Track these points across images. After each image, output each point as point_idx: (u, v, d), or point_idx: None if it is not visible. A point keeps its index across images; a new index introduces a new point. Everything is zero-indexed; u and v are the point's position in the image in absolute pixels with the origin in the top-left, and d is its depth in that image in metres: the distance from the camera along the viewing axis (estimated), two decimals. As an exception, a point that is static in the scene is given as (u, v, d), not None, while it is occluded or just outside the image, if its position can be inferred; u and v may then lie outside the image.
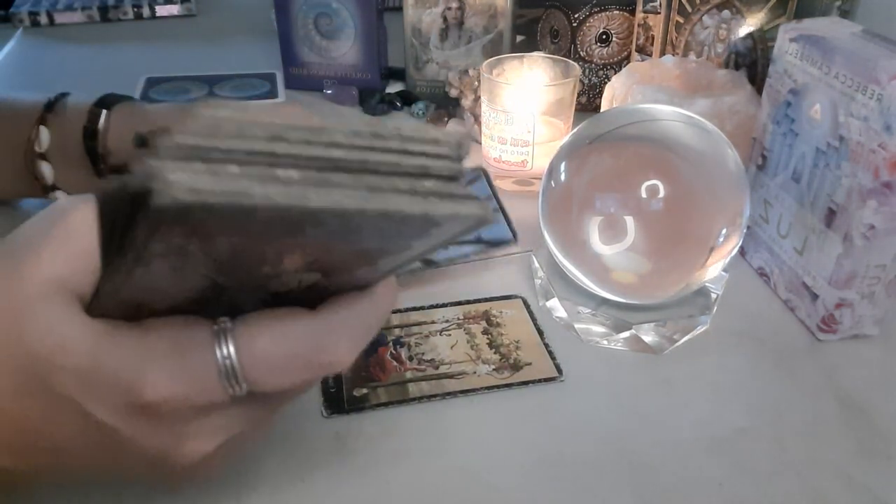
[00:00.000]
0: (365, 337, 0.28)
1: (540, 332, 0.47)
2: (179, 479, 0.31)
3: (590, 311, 0.47)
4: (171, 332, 0.26)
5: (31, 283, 0.26)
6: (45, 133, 0.53)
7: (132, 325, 0.26)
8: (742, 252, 0.55)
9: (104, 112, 0.53)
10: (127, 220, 0.22)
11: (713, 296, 0.48)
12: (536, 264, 0.51)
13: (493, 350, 0.46)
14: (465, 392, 0.42)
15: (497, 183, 0.65)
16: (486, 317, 0.48)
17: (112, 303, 0.26)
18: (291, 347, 0.27)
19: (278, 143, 0.20)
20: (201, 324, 0.27)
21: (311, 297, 0.27)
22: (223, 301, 0.27)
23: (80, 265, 0.27)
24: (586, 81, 0.78)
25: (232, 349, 0.26)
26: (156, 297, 0.26)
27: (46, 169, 0.53)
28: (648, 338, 0.46)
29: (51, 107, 0.54)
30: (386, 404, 0.41)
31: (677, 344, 0.46)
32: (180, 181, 0.18)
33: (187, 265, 0.24)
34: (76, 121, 0.53)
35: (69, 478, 0.34)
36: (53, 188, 0.54)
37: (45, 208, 0.29)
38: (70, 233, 0.27)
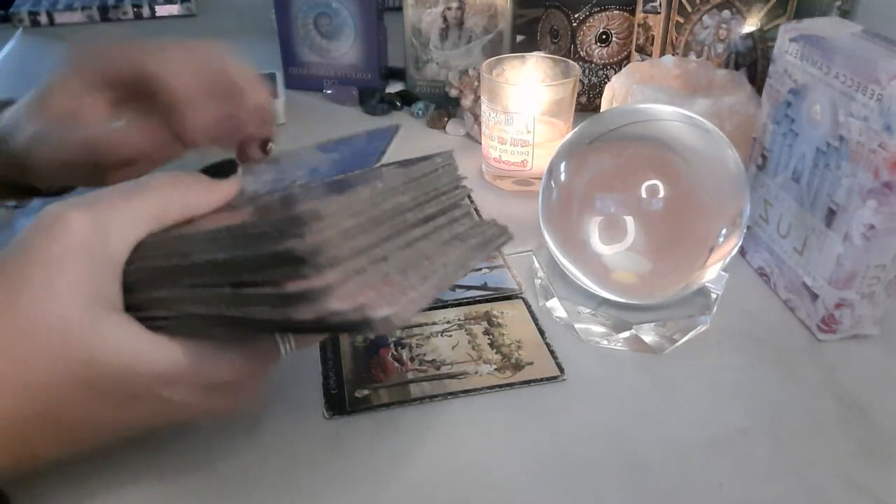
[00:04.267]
0: None
1: (541, 332, 0.47)
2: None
3: (590, 311, 0.47)
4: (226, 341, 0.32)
5: (70, 304, 0.28)
6: None
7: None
8: (742, 252, 0.55)
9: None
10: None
11: (713, 296, 0.48)
12: (536, 264, 0.51)
13: (495, 350, 0.46)
14: (466, 392, 0.42)
15: (497, 183, 0.65)
16: (487, 317, 0.49)
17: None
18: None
19: (379, 227, 0.28)
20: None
21: None
22: None
23: (106, 274, 0.30)
24: (586, 81, 0.78)
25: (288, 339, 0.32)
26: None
27: None
28: (648, 338, 0.46)
29: None
30: (387, 405, 0.41)
31: (677, 344, 0.47)
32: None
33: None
34: None
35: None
36: None
37: (35, 218, 0.30)
38: (84, 245, 0.29)
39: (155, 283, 0.30)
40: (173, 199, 0.32)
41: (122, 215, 0.30)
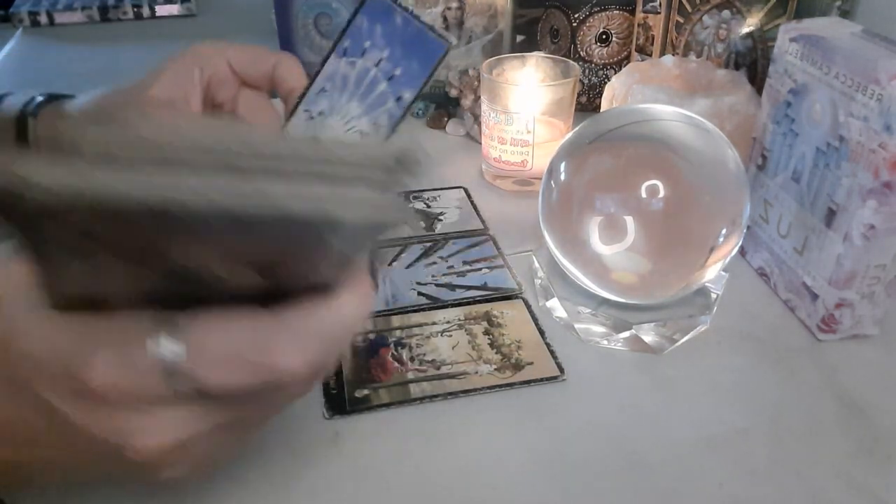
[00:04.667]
0: (322, 344, 0.27)
1: (541, 332, 0.47)
2: (144, 477, 0.29)
3: (590, 311, 0.47)
4: (118, 323, 0.26)
5: (25, 282, 0.25)
6: None
7: (84, 314, 0.26)
8: (742, 252, 0.55)
9: (30, 121, 0.46)
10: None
11: (713, 296, 0.49)
12: (536, 264, 0.51)
13: (495, 350, 0.46)
14: (466, 392, 0.42)
15: (497, 183, 0.65)
16: (487, 317, 0.49)
17: (67, 301, 0.26)
18: (234, 344, 0.25)
19: (208, 156, 0.19)
20: (148, 317, 0.26)
21: (275, 298, 0.26)
22: (186, 300, 0.26)
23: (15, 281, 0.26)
24: (586, 81, 0.78)
25: (171, 343, 0.25)
26: (101, 296, 0.26)
27: None
28: (648, 338, 0.46)
29: None
30: (387, 405, 0.41)
31: (677, 344, 0.47)
32: (46, 178, 0.17)
33: (97, 263, 0.23)
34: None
35: (45, 476, 0.33)
36: None
37: None
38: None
39: None
40: None
41: None
